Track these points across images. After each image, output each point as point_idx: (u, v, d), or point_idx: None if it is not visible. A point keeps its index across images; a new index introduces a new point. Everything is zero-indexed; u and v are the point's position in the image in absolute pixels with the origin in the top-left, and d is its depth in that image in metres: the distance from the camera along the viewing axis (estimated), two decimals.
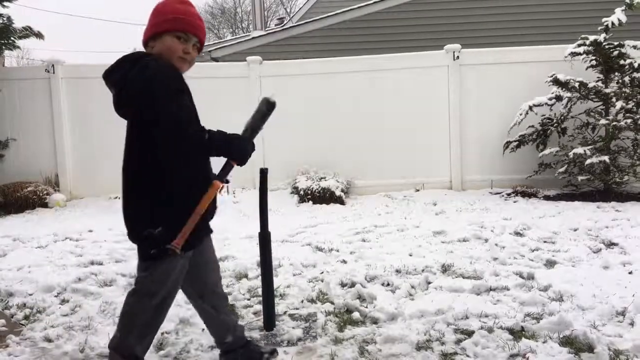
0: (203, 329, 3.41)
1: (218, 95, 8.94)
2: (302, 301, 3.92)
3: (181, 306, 3.83)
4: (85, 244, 5.75)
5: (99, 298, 4.04)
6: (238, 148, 2.44)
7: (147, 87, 2.23)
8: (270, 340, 3.26)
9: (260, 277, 3.57)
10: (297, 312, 3.73)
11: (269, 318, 3.40)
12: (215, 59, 11.48)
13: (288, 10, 27.20)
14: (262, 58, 9.16)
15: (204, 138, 2.34)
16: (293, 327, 3.42)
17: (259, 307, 3.60)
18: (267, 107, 2.58)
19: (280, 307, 3.77)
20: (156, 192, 2.38)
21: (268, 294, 3.39)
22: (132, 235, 2.48)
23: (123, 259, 5.11)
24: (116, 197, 8.55)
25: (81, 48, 49.56)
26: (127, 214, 2.47)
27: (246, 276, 4.48)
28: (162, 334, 3.36)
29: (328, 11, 12.28)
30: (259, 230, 3.44)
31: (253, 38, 11.88)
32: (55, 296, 4.13)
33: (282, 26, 14.26)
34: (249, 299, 4.00)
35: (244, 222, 6.77)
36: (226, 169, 2.50)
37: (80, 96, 8.92)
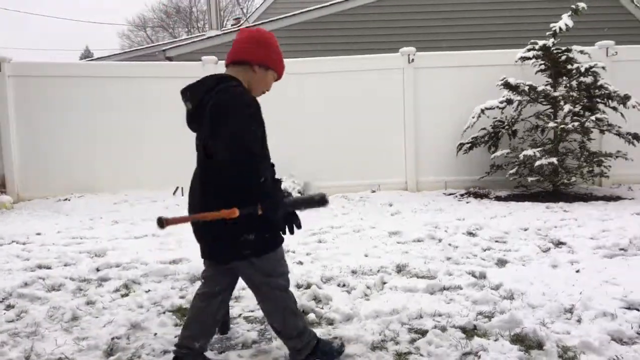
0: (156, 334, 3.35)
1: (171, 94, 8.80)
2: (257, 303, 3.88)
3: (132, 310, 3.75)
4: (33, 247, 5.56)
5: (47, 303, 3.90)
6: (274, 205, 2.51)
7: (227, 107, 2.45)
8: (224, 344, 3.22)
9: None
10: (252, 314, 3.69)
11: (223, 322, 3.34)
12: (170, 58, 11.30)
13: (245, 10, 27.01)
14: (218, 58, 9.06)
15: (257, 173, 2.44)
16: (248, 330, 3.39)
17: None
18: (318, 201, 2.66)
19: (235, 310, 3.73)
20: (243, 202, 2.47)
21: None
22: (227, 243, 2.60)
23: (72, 262, 4.96)
24: (66, 199, 8.31)
25: (33, 46, 48.14)
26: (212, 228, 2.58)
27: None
28: (112, 339, 3.27)
29: (285, 12, 12.25)
30: None
31: (209, 38, 11.74)
32: (0, 301, 3.97)
33: (238, 26, 14.14)
34: None
35: None
36: (250, 209, 2.47)
37: (30, 95, 8.63)
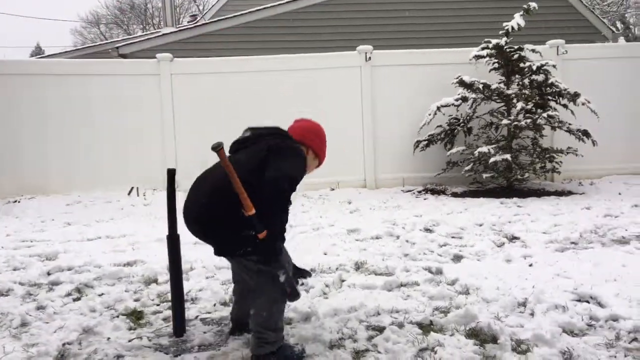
0: (109, 338, 3.27)
1: (126, 91, 8.64)
2: (214, 305, 3.83)
3: (85, 315, 3.66)
4: None
5: None
6: (269, 252, 2.78)
7: (288, 149, 2.90)
8: (180, 346, 3.16)
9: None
10: (209, 316, 3.64)
11: (179, 324, 3.29)
12: (124, 56, 11.03)
13: (200, 8, 26.67)
14: (174, 56, 8.91)
15: (287, 213, 2.89)
16: (204, 332, 3.33)
17: (169, 313, 3.47)
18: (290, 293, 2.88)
19: (191, 311, 3.66)
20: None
21: (177, 299, 3.28)
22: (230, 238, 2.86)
23: (22, 266, 4.80)
24: (15, 201, 8.03)
25: None
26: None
27: (155, 281, 4.33)
28: (64, 344, 3.18)
29: (241, 9, 12.13)
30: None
31: (164, 35, 11.52)
32: None
33: (194, 23, 13.95)
34: (158, 305, 3.85)
35: (155, 225, 6.55)
36: (260, 227, 2.72)
37: None
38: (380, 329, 3.25)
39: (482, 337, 3.11)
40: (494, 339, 3.05)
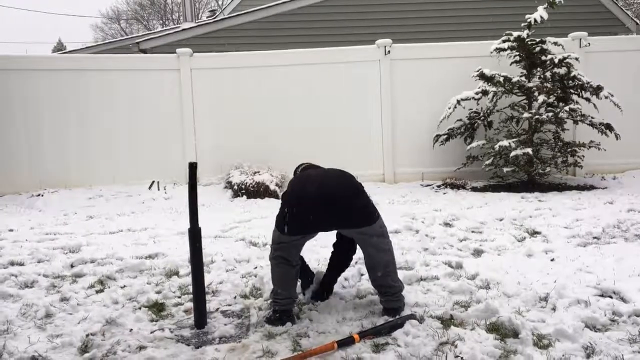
0: (131, 329, 3.31)
1: (147, 86, 8.73)
2: (235, 297, 3.86)
3: (107, 306, 3.71)
4: (5, 244, 5.43)
5: (19, 300, 3.82)
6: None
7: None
8: (201, 338, 3.19)
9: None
10: (230, 308, 3.67)
11: (200, 316, 3.33)
12: (144, 51, 11.12)
13: (219, 2, 26.73)
14: (193, 50, 8.97)
15: None
16: (225, 324, 3.36)
17: (191, 305, 3.51)
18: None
19: (212, 304, 3.70)
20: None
21: (198, 291, 3.31)
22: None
23: (46, 258, 4.87)
24: (39, 195, 8.16)
25: (5, 40, 47.17)
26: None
27: (177, 273, 4.37)
28: (87, 335, 3.22)
29: (260, 4, 12.14)
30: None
31: (183, 30, 11.59)
32: None
33: (213, 18, 14.00)
34: (179, 297, 3.90)
35: (175, 219, 6.61)
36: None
37: None
38: (400, 323, 3.24)
39: (502, 331, 3.10)
40: (515, 334, 3.03)
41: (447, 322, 3.26)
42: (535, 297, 3.56)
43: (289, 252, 3.44)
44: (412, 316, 3.29)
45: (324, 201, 3.31)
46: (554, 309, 3.37)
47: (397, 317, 3.30)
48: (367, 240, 3.43)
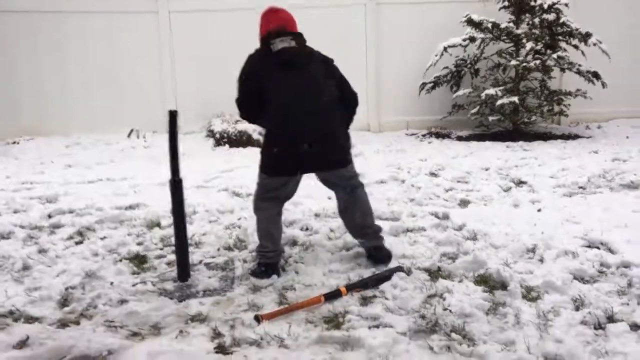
0: (112, 282, 3.23)
1: (123, 31, 8.40)
2: (218, 249, 3.79)
3: (87, 259, 3.61)
4: None
5: None
6: None
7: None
8: (184, 291, 3.11)
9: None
10: (214, 260, 3.59)
11: (183, 268, 3.24)
12: None
13: None
14: None
15: None
16: (209, 277, 3.29)
17: (173, 257, 3.41)
18: None
19: (195, 256, 3.61)
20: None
21: (181, 243, 3.21)
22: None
23: (22, 209, 4.74)
24: (14, 142, 7.92)
25: None
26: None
27: (158, 225, 4.26)
28: (67, 289, 3.14)
29: None
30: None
31: None
32: None
33: None
34: (161, 249, 3.80)
35: (155, 168, 6.44)
36: None
37: None
38: (387, 275, 3.19)
39: (491, 283, 3.06)
40: (504, 286, 3.00)
41: (434, 274, 3.23)
42: (523, 249, 3.53)
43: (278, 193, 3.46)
44: (399, 268, 3.24)
45: (307, 139, 3.29)
46: (541, 261, 3.34)
47: (385, 269, 3.25)
48: (345, 182, 3.44)
